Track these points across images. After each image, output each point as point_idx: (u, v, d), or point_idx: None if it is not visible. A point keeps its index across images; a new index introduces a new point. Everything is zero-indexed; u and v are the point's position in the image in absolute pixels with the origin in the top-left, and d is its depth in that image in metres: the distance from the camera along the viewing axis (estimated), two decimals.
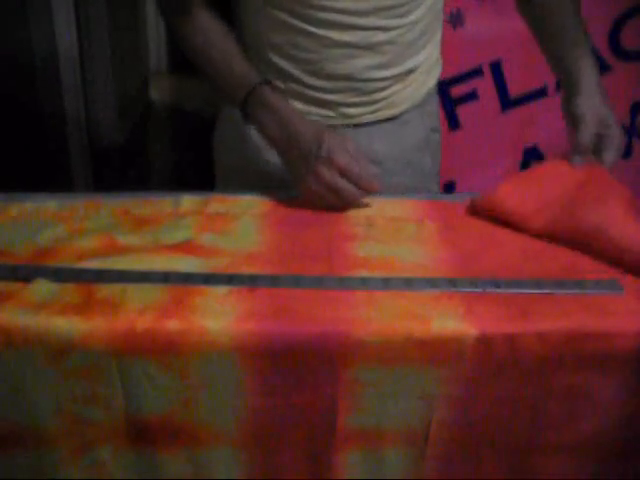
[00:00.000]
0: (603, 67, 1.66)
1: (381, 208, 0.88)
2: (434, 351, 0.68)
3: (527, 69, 1.69)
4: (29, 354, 0.67)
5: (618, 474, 0.77)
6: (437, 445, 0.74)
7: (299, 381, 0.70)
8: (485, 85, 1.72)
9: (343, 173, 0.84)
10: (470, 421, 0.73)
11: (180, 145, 3.14)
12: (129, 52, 3.09)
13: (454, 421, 0.73)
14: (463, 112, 1.74)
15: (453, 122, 1.75)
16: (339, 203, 0.87)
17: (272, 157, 0.97)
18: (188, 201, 0.88)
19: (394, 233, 0.84)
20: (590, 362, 0.70)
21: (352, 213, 0.87)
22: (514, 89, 1.73)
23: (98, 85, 2.61)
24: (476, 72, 1.71)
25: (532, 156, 1.83)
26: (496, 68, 1.69)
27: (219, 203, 0.88)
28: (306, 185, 0.86)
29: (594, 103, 0.91)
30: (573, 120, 0.92)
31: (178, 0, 0.92)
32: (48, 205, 0.86)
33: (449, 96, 1.71)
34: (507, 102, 1.75)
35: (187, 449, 0.74)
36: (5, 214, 0.85)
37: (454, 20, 1.63)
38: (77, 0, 2.16)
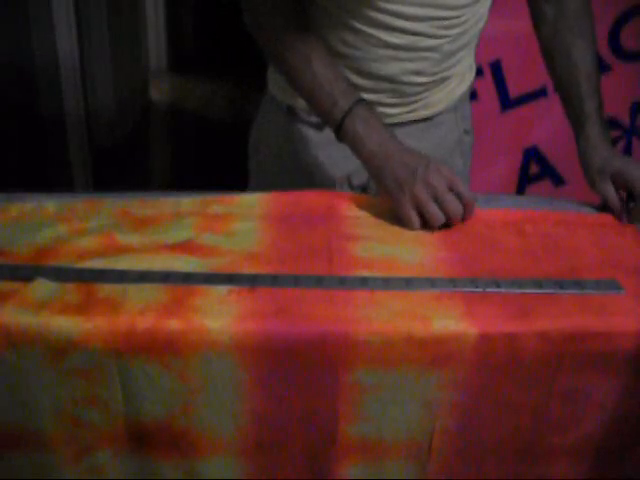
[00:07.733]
0: (603, 67, 1.66)
1: (382, 208, 0.88)
2: (434, 351, 0.68)
3: (527, 69, 1.69)
4: (29, 354, 0.67)
5: (620, 474, 0.77)
6: (440, 457, 0.74)
7: (299, 382, 0.70)
8: (485, 85, 1.72)
9: (450, 185, 0.83)
10: (473, 429, 0.73)
11: (180, 145, 3.14)
12: (129, 52, 3.09)
13: (457, 430, 0.73)
14: None
15: None
16: (437, 215, 0.82)
17: (320, 154, 1.02)
18: (188, 201, 0.88)
19: (394, 233, 0.84)
20: (590, 362, 0.70)
21: (352, 213, 0.87)
22: (514, 89, 1.73)
23: (98, 85, 2.61)
24: (476, 72, 1.71)
25: (532, 156, 1.83)
26: (496, 68, 1.69)
27: (219, 203, 0.88)
28: (412, 193, 0.83)
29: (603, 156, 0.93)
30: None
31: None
32: (48, 205, 0.86)
33: None
34: (507, 102, 1.75)
35: (186, 455, 0.74)
36: (5, 214, 0.84)
37: None
38: (77, 0, 2.17)
